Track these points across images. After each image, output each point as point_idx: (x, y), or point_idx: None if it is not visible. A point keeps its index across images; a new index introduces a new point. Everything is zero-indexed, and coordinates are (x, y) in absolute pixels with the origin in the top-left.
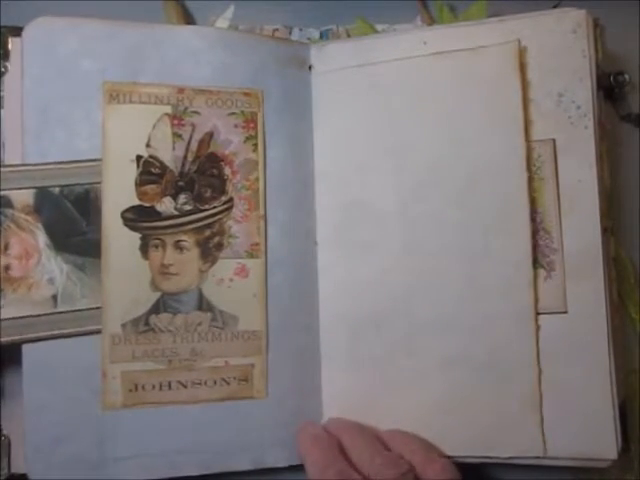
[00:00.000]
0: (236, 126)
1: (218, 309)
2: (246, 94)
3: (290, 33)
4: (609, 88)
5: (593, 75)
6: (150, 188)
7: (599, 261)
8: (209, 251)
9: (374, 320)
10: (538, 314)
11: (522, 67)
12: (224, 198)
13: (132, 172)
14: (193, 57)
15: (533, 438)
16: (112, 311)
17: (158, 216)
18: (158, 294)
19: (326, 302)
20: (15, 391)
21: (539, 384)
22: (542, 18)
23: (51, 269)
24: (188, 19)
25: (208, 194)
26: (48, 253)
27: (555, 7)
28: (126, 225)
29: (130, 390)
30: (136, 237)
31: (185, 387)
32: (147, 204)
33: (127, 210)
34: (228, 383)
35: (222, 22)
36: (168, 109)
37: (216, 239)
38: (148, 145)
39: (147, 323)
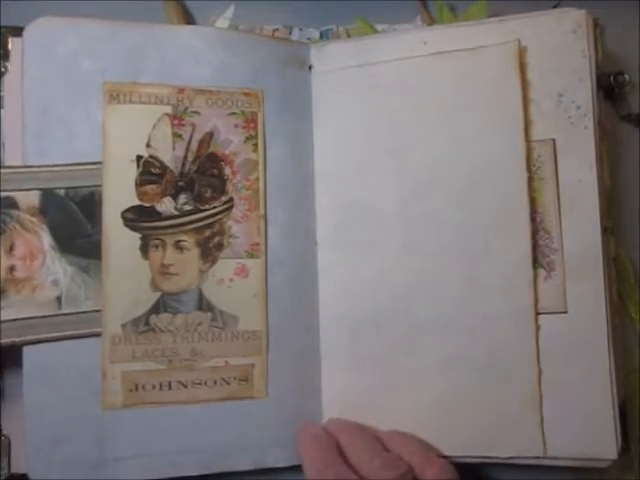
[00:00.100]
0: (236, 126)
1: (218, 309)
2: (246, 94)
3: (290, 33)
4: (609, 88)
5: (593, 75)
6: (150, 188)
7: (599, 261)
8: (209, 251)
9: (374, 320)
10: (538, 314)
11: (522, 67)
12: (224, 198)
13: (132, 172)
14: (193, 57)
15: (533, 438)
16: (112, 311)
17: (158, 216)
18: (158, 294)
19: (326, 302)
20: (15, 391)
21: (539, 384)
22: (542, 18)
23: (55, 271)
24: (188, 19)
25: (208, 194)
26: (53, 255)
27: (555, 7)
28: (126, 225)
29: (130, 390)
30: (136, 237)
31: (185, 387)
32: (147, 204)
33: (127, 210)
34: (228, 383)
35: (222, 22)
36: (168, 109)
37: (216, 239)
38: (148, 145)
39: (147, 323)
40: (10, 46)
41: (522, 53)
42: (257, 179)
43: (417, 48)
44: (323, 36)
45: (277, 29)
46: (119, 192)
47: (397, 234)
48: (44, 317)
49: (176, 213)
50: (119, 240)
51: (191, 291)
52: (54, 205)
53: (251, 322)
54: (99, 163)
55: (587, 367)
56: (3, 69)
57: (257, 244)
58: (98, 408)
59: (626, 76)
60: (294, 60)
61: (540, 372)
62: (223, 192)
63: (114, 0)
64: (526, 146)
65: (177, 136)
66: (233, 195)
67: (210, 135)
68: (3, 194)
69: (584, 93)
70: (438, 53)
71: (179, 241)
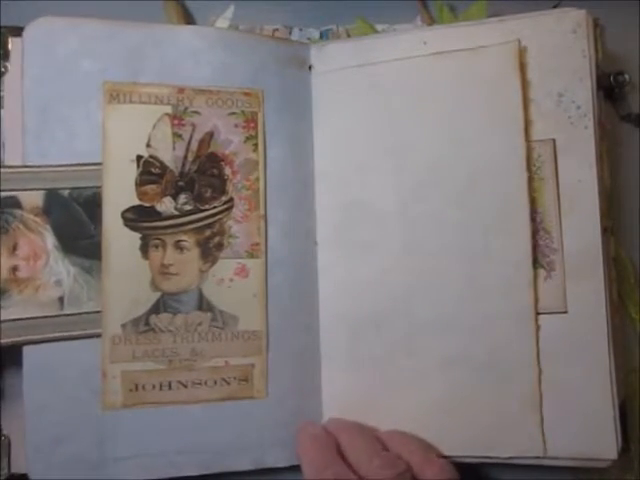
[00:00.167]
0: (236, 126)
1: (218, 309)
2: (246, 94)
3: (290, 33)
4: (609, 88)
5: (593, 75)
6: (150, 188)
7: (599, 261)
8: (209, 251)
9: (374, 320)
10: (538, 314)
11: (522, 67)
12: (224, 198)
13: (132, 172)
14: (193, 57)
15: (533, 438)
16: (112, 311)
17: (158, 216)
18: (158, 294)
19: (326, 302)
20: (15, 391)
21: (539, 384)
22: (542, 18)
23: (59, 271)
24: (188, 19)
25: (208, 194)
26: (56, 255)
27: (555, 7)
28: (126, 225)
29: (130, 390)
30: (136, 237)
31: (185, 387)
32: (147, 204)
33: (127, 210)
34: (228, 383)
35: (222, 22)
36: (168, 109)
37: (216, 239)
38: (148, 145)
39: (147, 323)
40: (10, 46)
41: (522, 53)
42: (257, 179)
43: (417, 48)
44: (323, 36)
45: (277, 29)
46: (119, 192)
47: (397, 234)
48: (46, 317)
49: (176, 213)
50: (119, 240)
51: (191, 291)
52: (58, 205)
53: (251, 322)
54: (100, 164)
55: (587, 367)
56: (3, 69)
57: (257, 244)
58: (98, 408)
59: (626, 76)
60: (294, 60)
61: (540, 372)
62: (223, 192)
63: (114, 0)
64: (526, 146)
65: (177, 136)
66: (233, 195)
67: (210, 135)
68: (7, 194)
69: (584, 93)
70: (438, 53)
71: (179, 241)
